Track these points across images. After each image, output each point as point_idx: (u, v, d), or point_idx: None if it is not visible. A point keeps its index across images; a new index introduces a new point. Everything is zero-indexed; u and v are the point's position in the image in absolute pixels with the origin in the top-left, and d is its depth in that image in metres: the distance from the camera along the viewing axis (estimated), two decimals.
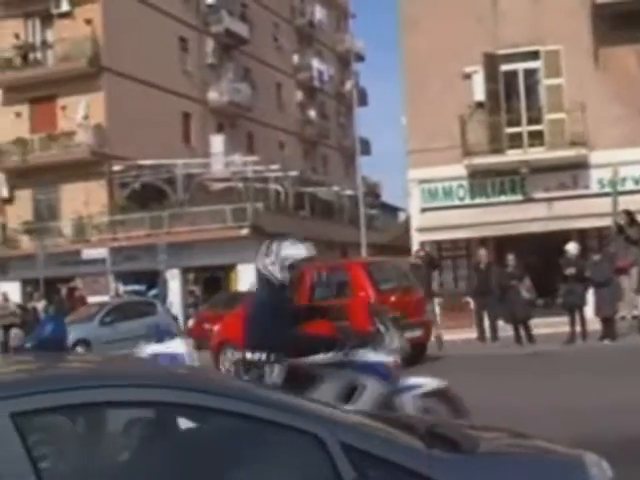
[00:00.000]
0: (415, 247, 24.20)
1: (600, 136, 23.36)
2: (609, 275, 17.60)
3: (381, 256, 29.67)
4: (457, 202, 25.45)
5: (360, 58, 60.41)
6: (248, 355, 5.98)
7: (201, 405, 2.64)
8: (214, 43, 46.27)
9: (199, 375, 3.14)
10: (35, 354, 7.38)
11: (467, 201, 25.40)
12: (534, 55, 24.80)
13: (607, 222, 20.36)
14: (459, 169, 24.79)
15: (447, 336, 19.23)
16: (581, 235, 22.61)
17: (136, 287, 33.70)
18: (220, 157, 41.09)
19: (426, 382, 6.47)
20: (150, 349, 11.68)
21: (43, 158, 38.28)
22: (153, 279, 30.67)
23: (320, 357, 6.04)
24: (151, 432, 2.70)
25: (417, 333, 15.63)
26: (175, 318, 28.26)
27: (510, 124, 24.82)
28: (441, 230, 24.78)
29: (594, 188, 24.07)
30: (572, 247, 17.94)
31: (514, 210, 24.09)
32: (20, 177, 39.01)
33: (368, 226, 33.20)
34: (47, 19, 39.81)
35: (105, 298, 31.41)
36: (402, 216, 50.62)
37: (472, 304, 20.77)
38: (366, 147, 58.91)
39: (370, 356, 6.12)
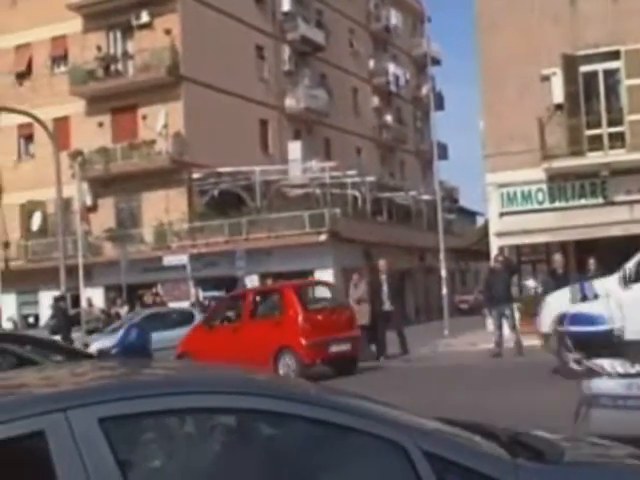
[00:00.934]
0: (494, 252, 23.94)
1: None
2: None
3: (460, 261, 29.49)
4: (536, 206, 25.11)
5: (436, 62, 60.01)
6: None
7: (283, 412, 2.66)
8: (290, 50, 46.54)
9: (281, 382, 3.16)
10: (121, 360, 7.50)
11: (546, 205, 25.03)
12: (614, 55, 24.32)
13: None
14: (538, 173, 24.46)
15: (526, 342, 18.93)
16: None
17: (215, 293, 34.03)
18: (297, 163, 41.30)
19: None
20: None
21: (125, 167, 39.03)
22: (232, 285, 30.95)
23: None
24: (233, 439, 2.72)
25: (344, 347, 17.72)
26: None
27: (590, 126, 24.40)
28: (520, 234, 24.48)
29: None
30: None
31: (594, 214, 23.66)
32: (103, 186, 39.85)
33: (446, 231, 32.94)
34: (128, 30, 40.60)
35: (185, 304, 31.81)
36: (480, 220, 50.13)
37: None
38: (443, 151, 58.52)
39: None
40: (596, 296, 14.49)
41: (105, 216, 40.42)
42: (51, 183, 25.80)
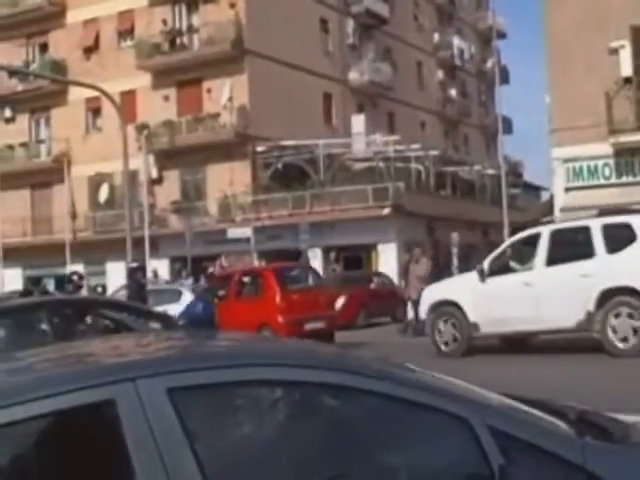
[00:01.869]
0: None
1: None
2: None
3: None
4: (602, 181, 24.69)
5: (501, 35, 59.21)
6: None
7: (349, 386, 2.66)
8: (355, 23, 46.28)
9: (347, 356, 3.17)
10: (188, 331, 7.58)
11: (613, 180, 24.61)
12: None
13: None
14: (605, 147, 24.05)
15: None
16: None
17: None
18: (361, 137, 41.14)
19: None
20: None
21: (190, 139, 39.36)
22: (295, 258, 31.05)
23: None
24: (300, 412, 2.73)
25: (319, 324, 19.18)
26: None
27: None
28: (586, 210, 24.05)
29: None
30: None
31: None
32: (168, 158, 40.24)
33: (510, 205, 32.57)
34: (193, 4, 40.81)
35: None
36: (545, 195, 49.46)
37: None
38: (508, 125, 57.79)
39: None
40: None
41: (170, 188, 40.84)
42: (118, 156, 26.12)
